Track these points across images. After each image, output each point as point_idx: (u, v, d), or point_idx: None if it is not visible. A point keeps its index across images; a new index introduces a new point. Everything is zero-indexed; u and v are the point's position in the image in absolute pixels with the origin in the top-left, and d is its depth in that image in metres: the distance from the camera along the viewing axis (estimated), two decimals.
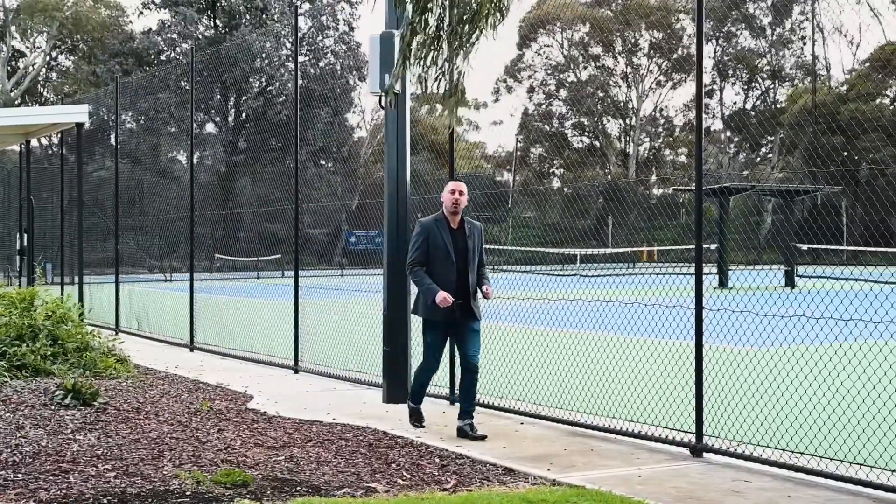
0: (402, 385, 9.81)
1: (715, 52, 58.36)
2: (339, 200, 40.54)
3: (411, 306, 8.42)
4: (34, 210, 21.60)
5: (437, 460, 6.99)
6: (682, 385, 8.22)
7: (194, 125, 17.72)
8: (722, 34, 58.18)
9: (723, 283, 27.72)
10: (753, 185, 37.47)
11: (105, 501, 5.67)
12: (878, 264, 27.94)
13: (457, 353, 9.81)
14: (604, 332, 10.47)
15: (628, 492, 6.10)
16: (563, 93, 61.94)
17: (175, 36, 52.72)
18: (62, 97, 42.08)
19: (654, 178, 56.29)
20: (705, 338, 7.37)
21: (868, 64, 50.45)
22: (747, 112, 59.12)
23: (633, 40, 60.48)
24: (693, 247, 7.64)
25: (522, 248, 33.23)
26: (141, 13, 68.31)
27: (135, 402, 9.37)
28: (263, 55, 48.39)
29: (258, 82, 51.00)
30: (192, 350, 14.95)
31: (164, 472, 6.40)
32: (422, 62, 6.45)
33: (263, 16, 53.12)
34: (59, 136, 22.99)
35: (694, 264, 7.57)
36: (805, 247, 28.86)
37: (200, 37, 52.59)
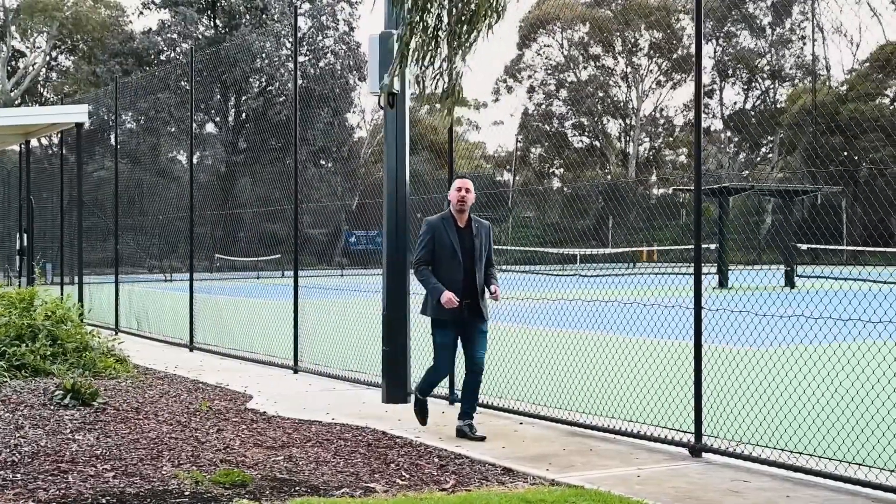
0: (401, 385, 9.81)
1: (715, 52, 58.38)
2: (339, 200, 40.56)
3: (419, 307, 8.23)
4: (34, 210, 21.60)
5: (436, 460, 6.99)
6: (682, 385, 8.22)
7: (194, 125, 17.73)
8: (722, 34, 58.18)
9: (723, 283, 27.73)
10: (753, 185, 37.47)
11: (104, 501, 5.67)
12: (878, 264, 27.93)
13: (458, 350, 9.86)
14: (603, 332, 10.47)
15: (627, 492, 6.10)
16: (563, 93, 61.94)
17: (175, 36, 52.72)
18: (62, 97, 42.08)
19: (654, 178, 56.28)
20: (704, 338, 7.37)
21: (868, 64, 50.45)
22: (747, 112, 59.11)
23: (633, 40, 60.48)
24: (692, 247, 7.64)
25: (522, 248, 33.25)
26: (141, 13, 68.36)
27: (134, 402, 9.37)
28: (263, 55, 48.41)
29: (258, 82, 51.02)
30: (191, 350, 14.95)
31: (163, 472, 6.40)
32: (420, 62, 6.45)
33: (263, 16, 53.13)
34: (59, 136, 22.99)
35: (693, 264, 7.56)
36: (805, 247, 28.86)
37: (200, 37, 52.60)
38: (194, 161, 17.33)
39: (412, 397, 8.46)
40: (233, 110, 52.56)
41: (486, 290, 8.09)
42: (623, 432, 7.89)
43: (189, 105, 16.92)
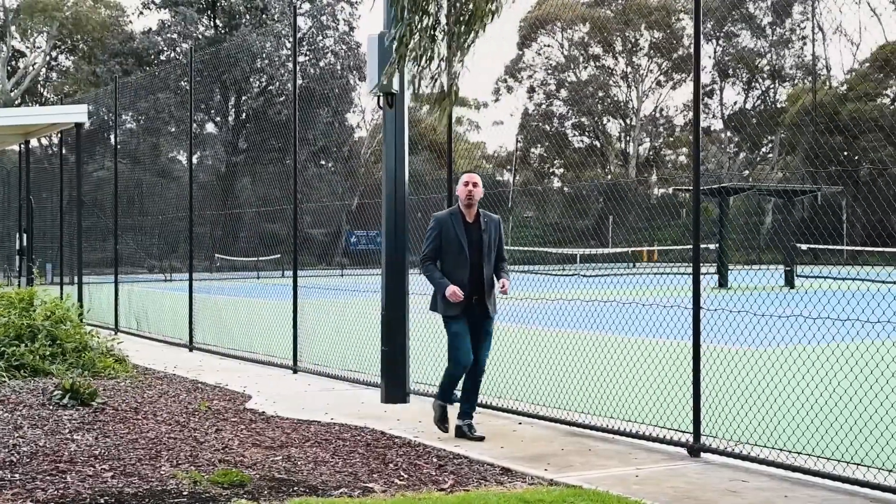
0: (400, 385, 9.82)
1: (715, 52, 58.38)
2: (339, 200, 40.56)
3: (429, 304, 8.13)
4: (34, 210, 21.60)
5: (434, 460, 6.99)
6: (680, 385, 8.22)
7: (194, 125, 17.74)
8: (722, 34, 58.18)
9: (722, 283, 27.73)
10: (753, 185, 37.48)
11: (102, 501, 5.67)
12: (878, 264, 27.93)
13: None
14: (602, 332, 10.46)
15: (625, 492, 6.10)
16: (563, 93, 61.95)
17: (175, 36, 52.74)
18: (62, 97, 42.10)
19: (654, 178, 56.28)
20: (703, 338, 7.37)
21: (868, 64, 50.44)
22: (747, 112, 59.12)
23: (633, 40, 60.49)
24: (691, 247, 7.63)
25: (522, 248, 33.25)
26: (141, 13, 68.37)
27: (133, 402, 9.37)
28: (263, 55, 48.42)
29: (258, 82, 51.03)
30: (191, 350, 14.95)
31: (162, 472, 6.40)
32: (417, 63, 6.44)
33: (263, 16, 53.15)
34: (59, 136, 23.00)
35: (692, 264, 7.56)
36: (805, 247, 28.86)
37: (200, 37, 52.62)
38: (194, 161, 17.33)
39: (435, 406, 8.12)
40: (233, 110, 52.57)
41: (496, 283, 7.96)
42: (622, 432, 7.89)
43: (189, 105, 16.92)
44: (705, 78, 58.49)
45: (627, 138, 62.84)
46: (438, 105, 6.59)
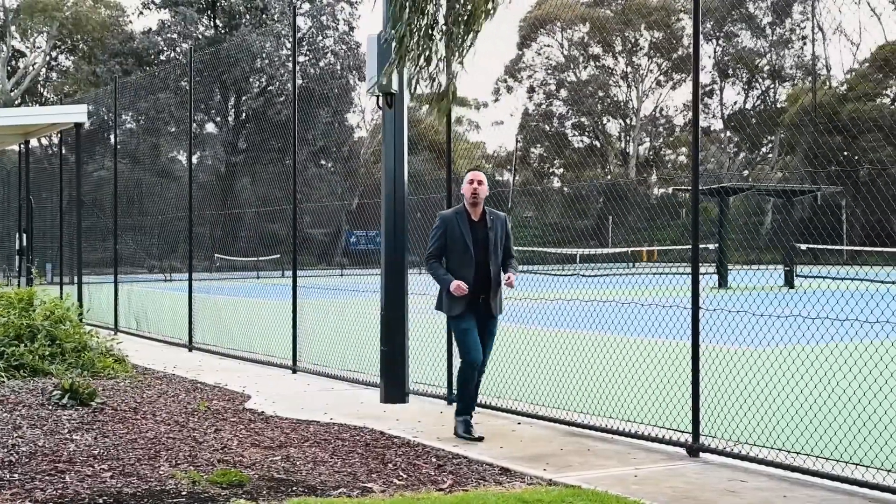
0: (399, 385, 9.82)
1: (715, 52, 58.39)
2: (339, 200, 40.55)
3: (434, 303, 8.07)
4: (33, 210, 21.61)
5: (433, 460, 6.99)
6: (679, 385, 8.22)
7: (194, 125, 17.75)
8: (722, 34, 58.18)
9: (722, 283, 27.73)
10: (753, 185, 37.47)
11: (101, 501, 5.68)
12: (878, 264, 27.92)
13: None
14: (601, 331, 10.46)
15: (624, 492, 6.10)
16: (563, 93, 61.95)
17: (175, 36, 52.76)
18: (62, 97, 42.10)
19: (654, 177, 56.28)
20: (702, 338, 7.37)
21: (868, 64, 50.43)
22: (747, 112, 59.12)
23: (633, 40, 60.49)
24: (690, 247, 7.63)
25: (522, 248, 33.24)
26: (141, 13, 68.40)
27: (132, 402, 9.37)
28: (263, 55, 48.42)
29: (258, 82, 51.03)
30: (190, 350, 14.95)
31: (161, 472, 6.40)
32: (416, 63, 6.44)
33: (263, 16, 53.15)
34: (59, 136, 23.01)
35: (690, 264, 7.56)
36: (804, 247, 28.85)
37: (200, 37, 52.62)
38: (194, 161, 17.34)
39: (459, 424, 7.93)
40: (233, 110, 52.57)
41: (503, 275, 7.90)
42: (621, 432, 7.89)
43: (188, 105, 16.93)
44: (705, 78, 58.54)
45: (627, 138, 62.85)
46: (437, 104, 6.60)
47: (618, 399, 8.72)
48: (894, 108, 50.16)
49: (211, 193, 34.92)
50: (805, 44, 57.22)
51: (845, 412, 7.67)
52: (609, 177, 58.05)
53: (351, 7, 51.85)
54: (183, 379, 11.38)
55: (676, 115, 61.89)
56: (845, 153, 44.30)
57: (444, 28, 6.48)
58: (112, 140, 20.27)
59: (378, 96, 9.87)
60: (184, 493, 5.86)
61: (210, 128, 51.92)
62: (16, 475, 6.25)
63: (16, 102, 55.16)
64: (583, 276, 27.25)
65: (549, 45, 62.24)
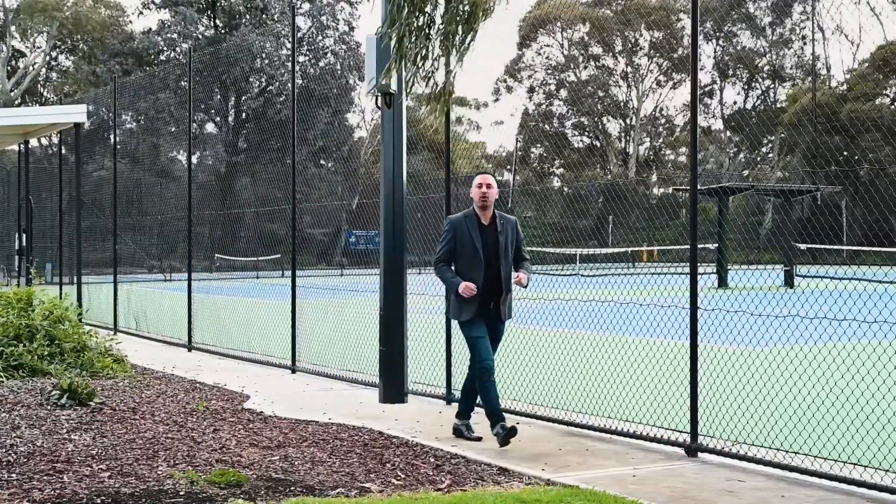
0: (398, 385, 9.82)
1: (715, 52, 58.38)
2: (338, 200, 40.56)
3: (444, 310, 8.00)
4: (33, 210, 21.61)
5: (431, 460, 6.99)
6: (678, 385, 8.22)
7: (194, 125, 17.75)
8: (722, 34, 58.18)
9: (722, 283, 27.72)
10: (753, 184, 37.47)
11: (99, 501, 5.68)
12: (878, 264, 27.91)
13: (455, 350, 9.84)
14: (600, 331, 10.47)
15: (622, 492, 6.10)
16: (563, 93, 61.95)
17: (175, 36, 52.76)
18: (62, 97, 42.10)
19: (654, 177, 56.28)
20: (700, 337, 7.37)
21: (868, 64, 50.44)
22: (747, 112, 59.12)
23: (633, 40, 60.49)
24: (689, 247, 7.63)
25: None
26: (141, 13, 68.41)
27: (131, 402, 9.38)
28: (263, 55, 48.42)
29: (258, 82, 51.03)
30: (189, 350, 14.96)
31: (159, 472, 6.41)
32: (414, 62, 6.44)
33: (263, 16, 53.15)
34: (59, 136, 23.01)
35: (689, 264, 7.56)
36: (804, 246, 28.85)
37: (200, 37, 52.63)
38: (194, 161, 17.34)
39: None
40: (233, 110, 52.58)
41: (513, 275, 7.82)
42: (619, 432, 7.89)
43: (188, 105, 16.94)
44: (705, 78, 58.54)
45: (627, 138, 62.85)
46: (436, 104, 6.60)
47: (616, 399, 8.73)
48: (894, 108, 50.16)
49: (211, 193, 34.91)
50: (805, 44, 57.24)
51: (843, 412, 7.67)
52: (609, 177, 58.04)
53: (351, 7, 51.88)
54: (182, 379, 11.39)
55: (676, 115, 61.93)
56: (845, 153, 44.31)
57: (443, 27, 6.48)
58: (112, 140, 20.27)
59: (377, 96, 9.87)
60: (182, 493, 5.86)
61: (210, 128, 51.94)
62: (14, 475, 6.26)
63: (16, 102, 55.17)
64: (582, 276, 27.25)
65: (549, 45, 62.29)
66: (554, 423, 8.51)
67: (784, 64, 58.41)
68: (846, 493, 6.19)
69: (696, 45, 7.61)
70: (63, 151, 23.73)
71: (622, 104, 61.92)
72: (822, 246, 28.07)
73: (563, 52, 61.98)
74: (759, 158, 59.26)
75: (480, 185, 7.86)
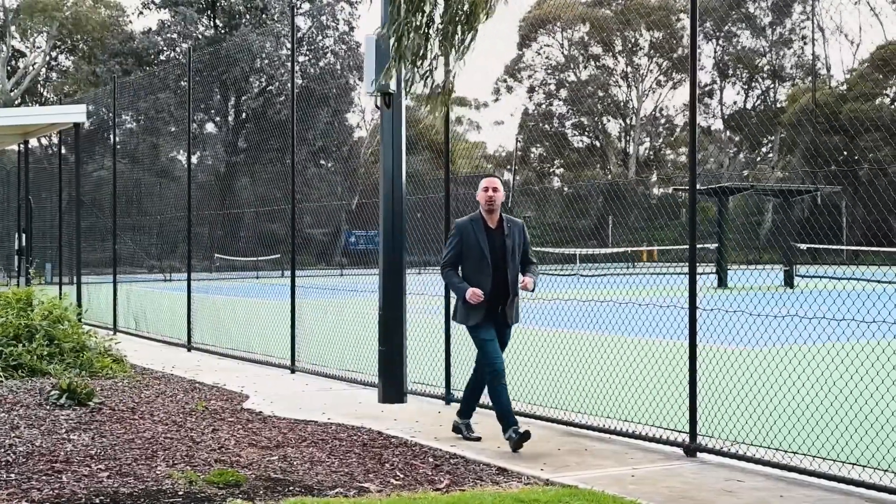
0: (397, 385, 9.82)
1: (715, 52, 58.38)
2: (338, 200, 40.55)
3: (452, 314, 7.88)
4: (33, 210, 21.60)
5: (430, 460, 6.99)
6: (677, 385, 8.22)
7: (194, 125, 17.77)
8: (722, 34, 58.17)
9: (722, 283, 27.71)
10: (752, 184, 37.46)
11: (97, 501, 5.68)
12: (878, 264, 27.91)
13: (454, 350, 9.85)
14: (599, 331, 10.47)
15: (621, 491, 6.10)
16: (563, 93, 61.94)
17: (175, 36, 52.76)
18: (62, 97, 42.10)
19: (654, 177, 56.27)
20: (699, 337, 7.37)
21: (868, 64, 50.44)
22: (747, 112, 59.11)
23: (633, 40, 60.48)
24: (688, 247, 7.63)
25: None
26: (141, 13, 68.32)
27: (130, 402, 9.38)
28: (263, 55, 48.43)
29: (258, 82, 51.03)
30: (189, 350, 14.95)
31: (157, 472, 6.41)
32: (413, 62, 6.44)
33: (263, 16, 53.15)
34: (59, 136, 23.01)
35: (688, 264, 7.56)
36: (804, 246, 28.85)
37: (200, 37, 52.62)
38: (194, 161, 17.34)
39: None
40: (232, 110, 52.58)
41: (519, 279, 7.73)
42: (618, 432, 7.90)
43: (187, 105, 16.94)
44: (705, 78, 58.52)
45: (627, 138, 62.84)
46: (434, 103, 6.59)
47: (615, 399, 8.73)
48: (894, 108, 50.16)
49: (210, 193, 34.92)
50: (805, 44, 57.23)
51: (842, 412, 7.67)
52: (609, 177, 58.03)
53: (351, 7, 51.84)
54: (181, 379, 11.39)
55: (676, 115, 61.90)
56: (845, 153, 44.31)
57: (442, 26, 6.48)
58: (112, 140, 20.27)
59: (376, 97, 9.87)
60: (180, 493, 5.86)
61: (210, 128, 51.93)
62: (13, 475, 6.26)
63: (16, 102, 55.16)
64: (581, 276, 27.25)
65: (549, 45, 62.25)
66: (553, 423, 8.51)
67: (784, 64, 58.42)
68: (845, 493, 6.19)
69: (696, 46, 7.61)
70: (63, 151, 23.72)
71: (622, 104, 61.91)
72: (822, 246, 28.07)
73: (563, 52, 61.98)
74: (758, 158, 59.25)
75: (487, 189, 7.75)
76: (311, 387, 10.99)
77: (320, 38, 51.92)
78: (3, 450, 7.00)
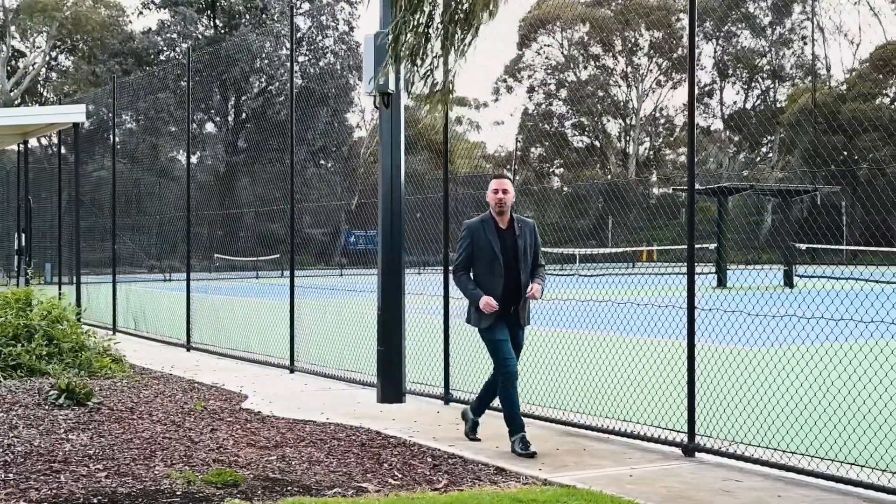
0: (396, 385, 9.82)
1: (715, 52, 58.38)
2: (338, 200, 40.54)
3: (465, 317, 7.74)
4: (32, 210, 21.59)
5: (429, 460, 6.99)
6: (675, 385, 8.22)
7: (194, 125, 17.77)
8: (722, 34, 58.17)
9: (721, 283, 27.71)
10: (752, 184, 37.45)
11: (95, 501, 5.68)
12: (878, 264, 27.91)
13: (453, 350, 9.85)
14: (598, 331, 10.47)
15: (619, 491, 6.10)
16: (563, 93, 61.94)
17: (175, 36, 52.75)
18: (62, 97, 42.10)
19: (654, 177, 56.26)
20: (697, 337, 7.37)
21: (868, 64, 50.44)
22: (747, 112, 59.11)
23: (633, 40, 60.48)
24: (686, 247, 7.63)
25: None
26: (141, 13, 68.33)
27: (129, 402, 9.38)
28: (263, 55, 48.44)
29: (258, 82, 51.03)
30: (188, 350, 14.95)
31: (156, 472, 6.41)
32: (412, 61, 6.44)
33: (263, 15, 53.15)
34: (58, 136, 23.00)
35: (686, 264, 7.56)
36: (804, 246, 28.84)
37: (200, 37, 52.62)
38: (194, 161, 17.35)
39: (517, 442, 7.52)
40: (232, 110, 52.58)
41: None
42: (617, 432, 7.90)
43: (187, 105, 16.94)
44: (705, 78, 58.50)
45: (627, 138, 62.84)
46: (430, 102, 6.59)
47: (614, 399, 8.72)
48: (893, 108, 50.15)
49: (210, 193, 34.90)
50: (805, 44, 57.23)
51: (840, 412, 7.67)
52: (609, 177, 58.02)
53: (351, 7, 51.82)
54: (180, 379, 11.39)
55: (676, 115, 61.89)
56: (845, 153, 44.30)
57: (441, 26, 6.48)
58: (111, 140, 20.27)
59: (375, 96, 9.87)
60: (178, 493, 5.86)
61: (210, 128, 51.92)
62: (11, 475, 6.26)
63: (16, 102, 55.16)
64: (581, 275, 27.26)
65: (549, 45, 62.24)
66: (551, 422, 8.51)
67: (784, 64, 58.41)
68: (843, 492, 6.19)
69: (694, 48, 7.61)
70: (63, 151, 23.72)
71: (622, 104, 61.90)
72: (822, 246, 28.07)
73: (562, 52, 61.97)
74: (758, 158, 59.24)
75: (496, 191, 7.62)
76: (309, 387, 10.99)
77: (320, 38, 51.92)
78: (1, 449, 7.00)
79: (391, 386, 9.80)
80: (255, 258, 36.18)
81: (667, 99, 62.26)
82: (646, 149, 62.96)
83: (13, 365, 10.80)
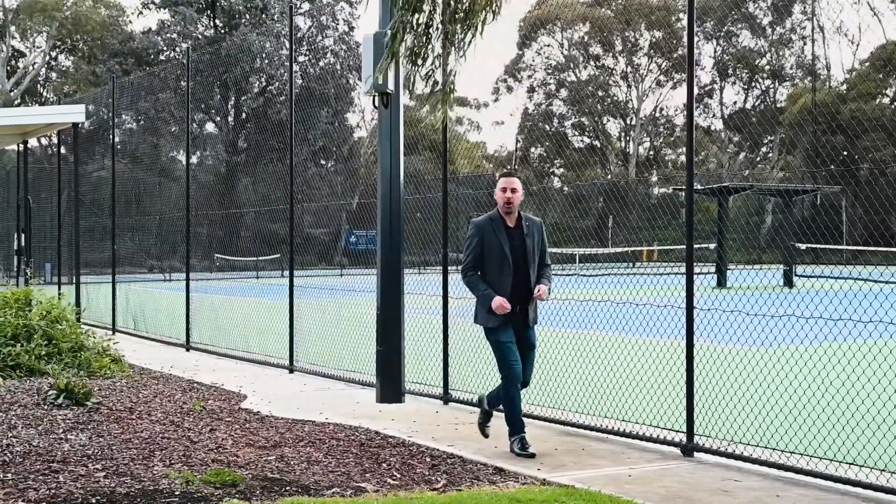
0: (395, 385, 9.82)
1: (715, 52, 58.39)
2: (339, 200, 40.55)
3: (472, 317, 7.64)
4: (32, 210, 21.59)
5: (428, 460, 6.99)
6: (674, 385, 8.22)
7: (194, 125, 17.77)
8: (722, 34, 58.17)
9: (721, 283, 27.71)
10: (753, 184, 37.46)
11: (94, 501, 5.68)
12: (878, 264, 27.90)
13: (452, 350, 9.84)
14: (597, 331, 10.46)
15: (617, 491, 6.10)
16: (563, 93, 61.94)
17: (175, 36, 52.78)
18: (61, 97, 42.09)
19: (654, 177, 56.25)
20: (696, 337, 7.37)
21: (868, 64, 50.43)
22: (747, 112, 59.10)
23: (633, 40, 60.48)
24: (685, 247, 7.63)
25: None
26: (141, 13, 68.43)
27: (128, 402, 9.38)
28: (263, 55, 48.45)
29: (258, 82, 51.04)
30: (188, 350, 14.95)
31: (154, 472, 6.41)
32: (413, 61, 6.44)
33: (263, 15, 53.16)
34: (58, 136, 23.00)
35: (685, 264, 7.55)
36: (804, 246, 28.82)
37: (200, 37, 52.64)
38: (194, 161, 17.35)
39: (515, 442, 7.48)
40: (233, 110, 52.59)
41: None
42: (616, 432, 7.90)
43: (186, 105, 16.94)
44: (706, 78, 58.50)
45: (627, 138, 62.84)
46: (430, 101, 6.59)
47: (613, 399, 8.72)
48: (894, 108, 50.15)
49: (211, 193, 34.94)
50: (805, 44, 57.23)
51: (839, 412, 7.66)
52: (609, 177, 58.01)
53: (351, 7, 51.84)
54: (179, 379, 11.39)
55: (676, 115, 61.87)
56: (845, 153, 44.29)
57: (441, 25, 6.48)
58: (111, 140, 20.27)
59: (374, 96, 9.87)
60: (177, 493, 5.86)
61: (210, 128, 51.93)
62: (9, 475, 6.26)
63: (15, 102, 55.16)
64: (581, 275, 27.25)
65: (549, 45, 62.26)
66: (550, 422, 8.51)
67: (784, 64, 58.41)
68: (841, 492, 6.19)
69: (693, 48, 7.61)
70: (62, 151, 23.72)
71: (622, 104, 61.90)
72: (823, 246, 28.05)
73: (563, 52, 61.98)
74: (758, 158, 59.24)
75: (505, 190, 7.53)
76: (309, 387, 10.99)
77: (320, 38, 51.93)
78: (0, 449, 7.00)
79: (390, 386, 9.80)
80: (255, 258, 36.18)
81: (667, 99, 62.31)
82: (646, 149, 62.97)
83: (12, 365, 10.80)
